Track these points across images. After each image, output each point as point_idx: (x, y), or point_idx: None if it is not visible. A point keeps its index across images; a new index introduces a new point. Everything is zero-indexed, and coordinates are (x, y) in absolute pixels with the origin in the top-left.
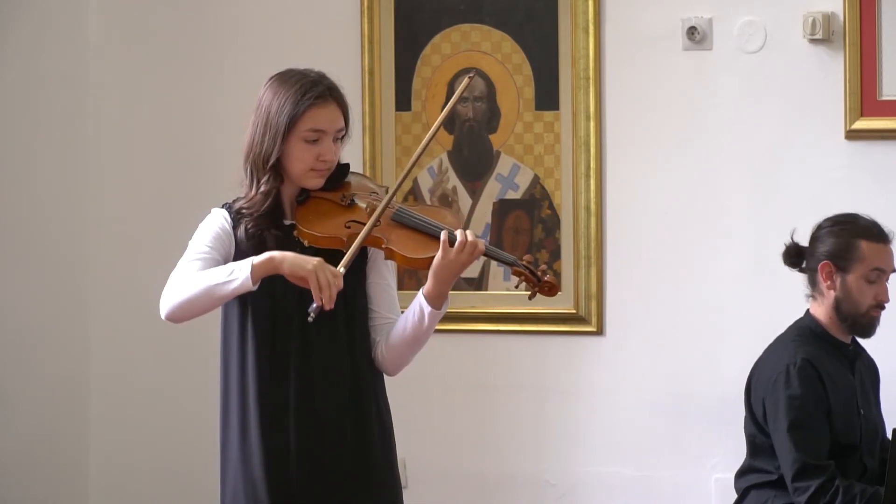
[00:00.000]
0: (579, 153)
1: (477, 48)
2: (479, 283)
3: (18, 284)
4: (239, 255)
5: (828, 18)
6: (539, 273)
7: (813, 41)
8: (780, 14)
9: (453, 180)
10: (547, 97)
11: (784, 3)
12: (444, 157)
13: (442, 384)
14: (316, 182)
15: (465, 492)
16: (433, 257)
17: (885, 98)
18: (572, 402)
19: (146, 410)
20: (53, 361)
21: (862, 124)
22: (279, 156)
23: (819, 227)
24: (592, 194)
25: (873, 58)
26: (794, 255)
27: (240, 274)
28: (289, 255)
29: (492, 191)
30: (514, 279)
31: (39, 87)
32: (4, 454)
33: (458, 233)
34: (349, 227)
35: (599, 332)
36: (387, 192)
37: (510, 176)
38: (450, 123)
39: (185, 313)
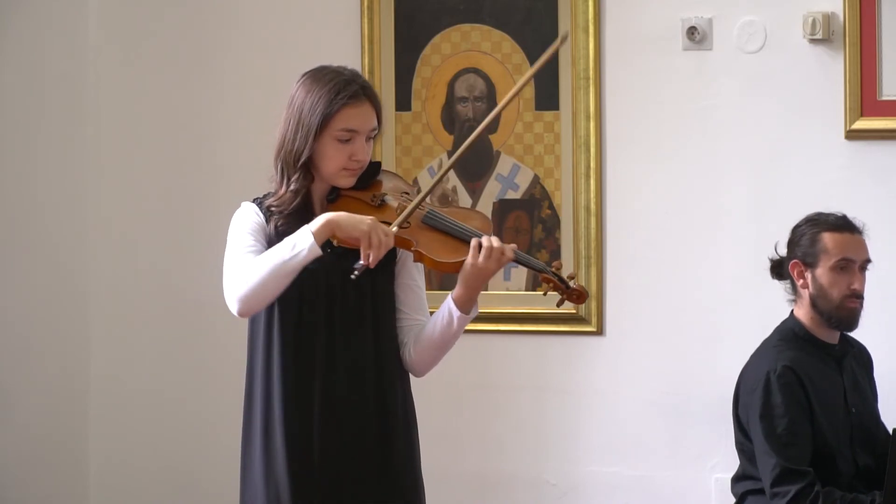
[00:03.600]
0: (579, 153)
1: (477, 48)
2: None
3: (18, 284)
4: None
5: (828, 18)
6: (567, 280)
7: (813, 41)
8: (780, 14)
9: (453, 180)
10: (547, 97)
11: (784, 3)
12: (444, 156)
13: (442, 384)
14: (347, 181)
15: (465, 492)
16: (462, 261)
17: (885, 98)
18: (572, 402)
19: (146, 410)
20: (53, 361)
21: (862, 124)
22: (311, 154)
23: (792, 231)
24: (592, 194)
25: (873, 58)
26: (778, 267)
27: (304, 244)
28: (343, 215)
29: (492, 191)
30: (544, 286)
31: (39, 87)
32: (4, 454)
33: (485, 239)
34: None
35: (599, 332)
36: (418, 192)
37: (510, 176)
38: (450, 123)
39: (259, 300)
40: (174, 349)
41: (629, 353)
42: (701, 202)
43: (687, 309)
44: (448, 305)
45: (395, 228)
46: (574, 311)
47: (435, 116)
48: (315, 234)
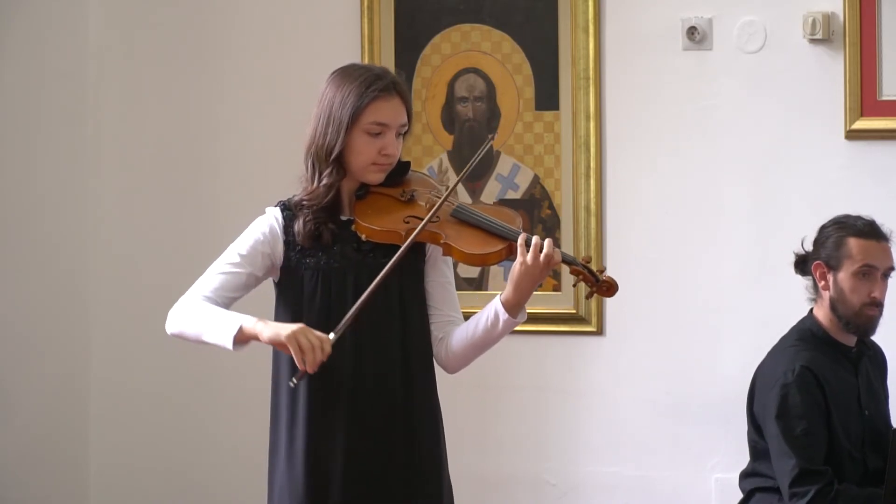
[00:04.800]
0: (579, 153)
1: (477, 48)
2: (479, 283)
3: (18, 284)
4: (294, 251)
5: (828, 18)
6: (598, 273)
7: (813, 41)
8: (780, 14)
9: (453, 180)
10: (547, 97)
11: (784, 3)
12: (444, 156)
13: (442, 384)
14: (376, 177)
15: (465, 492)
16: (491, 254)
17: (885, 98)
18: (572, 402)
19: (146, 410)
20: (53, 361)
21: (862, 124)
22: (342, 149)
23: (819, 230)
24: (592, 194)
25: (873, 58)
26: (802, 263)
27: (226, 334)
28: (271, 323)
29: (492, 191)
30: (572, 278)
31: (39, 87)
32: (4, 454)
33: (535, 238)
34: (408, 223)
35: (599, 332)
36: (446, 189)
37: (510, 176)
38: (450, 123)
39: (183, 339)
40: (174, 350)
41: (629, 353)
42: (701, 202)
43: (687, 309)
44: (495, 307)
45: (332, 336)
46: (574, 311)
47: (435, 116)
48: (239, 331)
